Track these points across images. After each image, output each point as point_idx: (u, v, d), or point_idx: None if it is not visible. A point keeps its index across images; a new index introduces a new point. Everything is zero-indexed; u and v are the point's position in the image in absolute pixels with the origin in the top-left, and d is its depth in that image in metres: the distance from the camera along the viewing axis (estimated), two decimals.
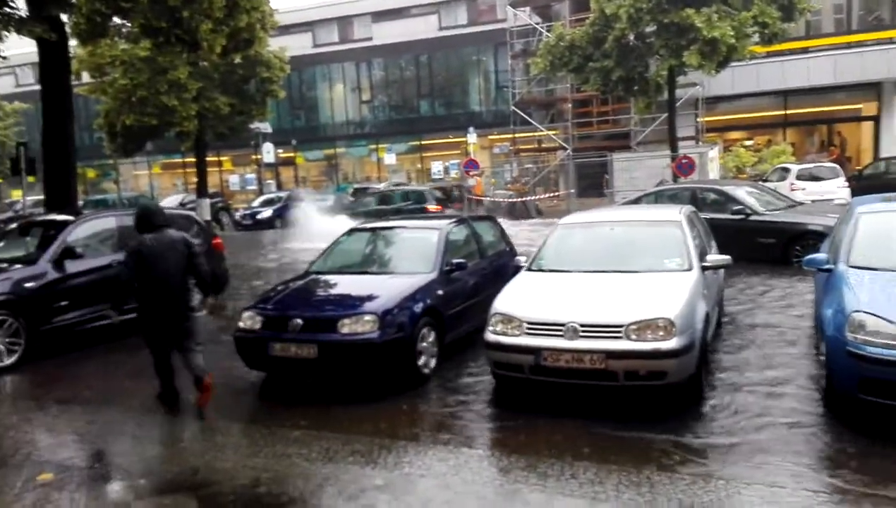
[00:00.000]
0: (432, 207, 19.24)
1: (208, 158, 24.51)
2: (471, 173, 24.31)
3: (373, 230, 8.38)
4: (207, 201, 22.89)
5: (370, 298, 6.44)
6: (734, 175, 22.73)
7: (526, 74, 28.26)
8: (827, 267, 5.95)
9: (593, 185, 24.89)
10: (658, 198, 12.51)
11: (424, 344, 6.57)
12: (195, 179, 24.87)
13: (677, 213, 7.06)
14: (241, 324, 6.61)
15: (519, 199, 23.85)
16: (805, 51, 24.42)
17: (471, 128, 28.99)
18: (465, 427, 5.48)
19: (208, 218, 20.41)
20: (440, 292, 6.96)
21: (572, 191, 24.94)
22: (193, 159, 24.53)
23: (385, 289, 6.61)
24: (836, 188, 17.50)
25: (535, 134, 29.19)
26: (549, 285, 6.36)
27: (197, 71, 20.51)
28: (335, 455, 5.00)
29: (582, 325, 5.39)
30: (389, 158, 35.71)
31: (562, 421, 5.37)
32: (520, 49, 29.64)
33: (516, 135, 29.77)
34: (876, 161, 22.14)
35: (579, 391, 5.62)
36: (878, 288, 5.17)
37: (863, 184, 18.39)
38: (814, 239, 9.88)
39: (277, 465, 4.89)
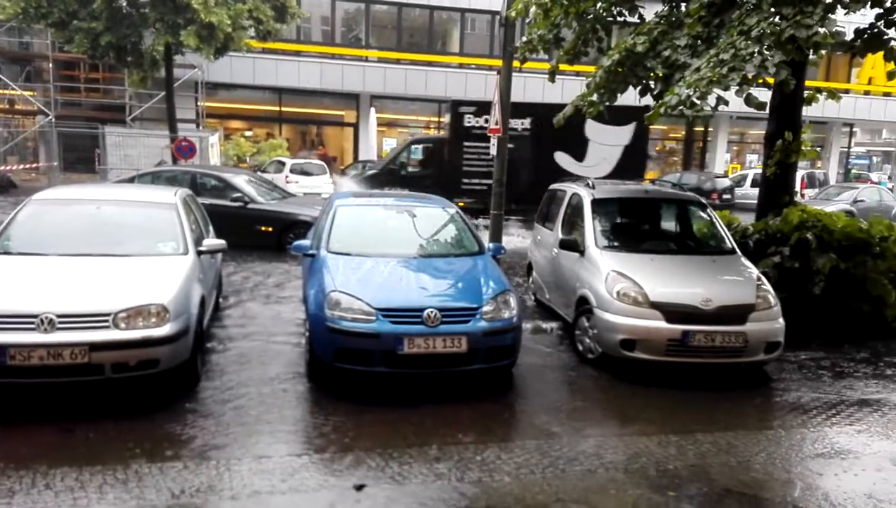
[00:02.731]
0: None
1: None
2: None
3: None
4: None
5: None
6: (234, 163, 23.36)
7: None
8: (311, 252, 6.61)
9: (83, 159, 22.35)
10: (155, 179, 11.96)
11: None
12: None
13: (173, 196, 6.84)
14: None
15: None
16: (298, 54, 26.65)
17: None
18: None
19: None
20: None
21: (55, 163, 21.88)
22: None
23: None
24: (324, 183, 19.68)
25: (6, 92, 24.51)
26: (18, 271, 5.40)
27: None
28: None
29: (60, 316, 4.73)
30: None
31: (32, 426, 4.65)
32: None
33: None
34: (355, 161, 25.73)
35: (56, 390, 4.95)
36: (350, 271, 5.97)
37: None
38: (304, 228, 10.88)
39: None
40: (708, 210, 7.78)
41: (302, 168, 20.29)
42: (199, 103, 25.03)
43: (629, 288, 6.17)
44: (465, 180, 16.20)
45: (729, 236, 7.44)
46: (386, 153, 24.62)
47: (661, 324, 5.97)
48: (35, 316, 4.69)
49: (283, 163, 20.34)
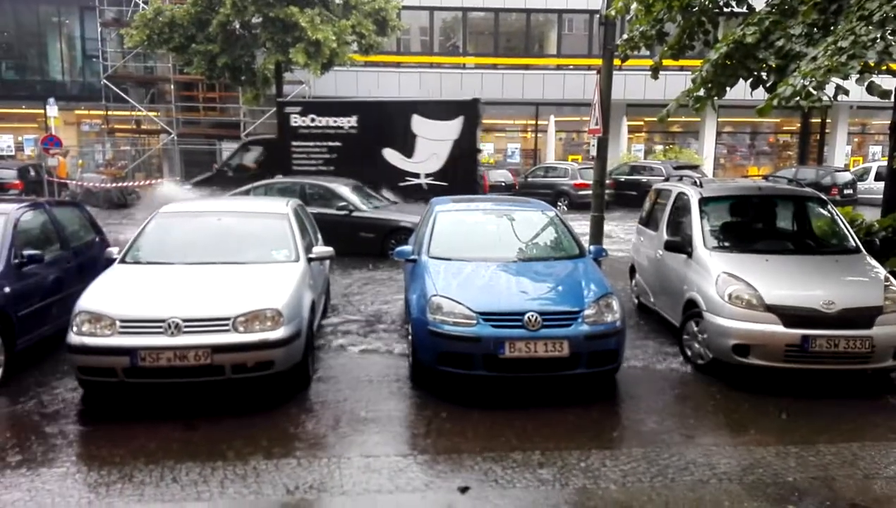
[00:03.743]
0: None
1: None
2: (51, 151, 20.96)
3: None
4: None
5: None
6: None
7: (120, 46, 25.51)
8: (412, 257, 6.76)
9: (201, 174, 23.84)
10: (268, 190, 12.60)
11: None
12: None
13: (285, 206, 7.20)
14: None
15: (114, 185, 21.48)
16: (398, 65, 27.32)
17: (51, 100, 24.94)
18: (42, 446, 4.69)
19: None
20: (7, 289, 5.85)
21: (177, 178, 23.48)
22: None
23: None
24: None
25: (133, 113, 26.59)
26: (147, 279, 5.86)
27: None
28: None
29: (185, 320, 5.09)
30: None
31: (159, 424, 5.01)
32: (111, 17, 26.61)
33: (110, 113, 26.67)
34: None
35: (181, 389, 5.32)
36: (451, 275, 6.05)
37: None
38: (405, 233, 11.11)
39: None
40: (828, 206, 7.29)
41: None
42: None
43: (742, 290, 5.89)
44: None
45: (852, 234, 6.94)
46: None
47: (778, 329, 5.65)
48: (163, 321, 5.07)
49: None
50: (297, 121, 15.92)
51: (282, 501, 3.98)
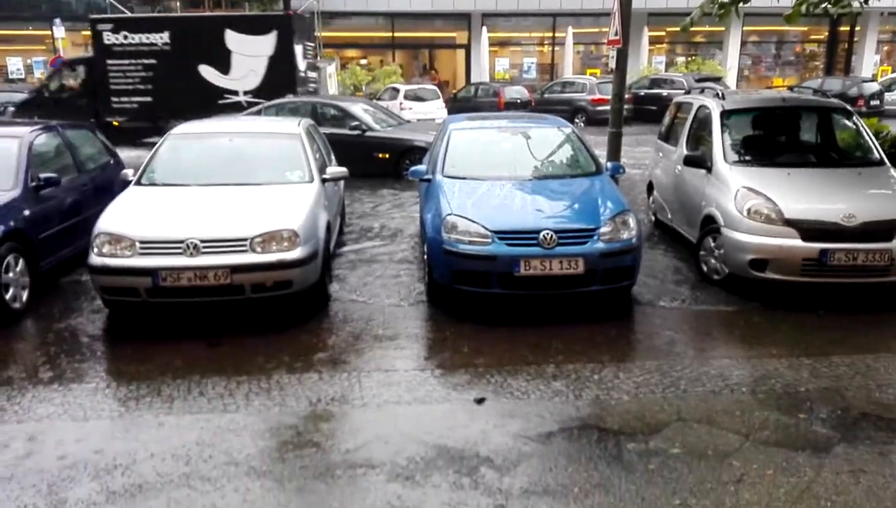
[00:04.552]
0: None
1: None
2: None
3: None
4: None
5: None
6: (351, 92, 23.81)
7: None
8: (427, 177, 6.71)
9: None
10: (279, 111, 12.45)
11: (11, 274, 5.57)
12: None
13: (297, 126, 7.12)
14: None
15: None
16: None
17: (57, 20, 24.42)
18: (71, 363, 4.87)
19: None
20: (27, 212, 5.92)
21: None
22: None
23: None
24: (437, 108, 19.67)
25: None
26: (163, 200, 5.90)
27: None
28: None
29: (203, 241, 5.15)
30: None
31: (184, 341, 5.15)
32: None
33: None
34: (468, 85, 25.44)
35: (203, 309, 5.43)
36: (465, 195, 6.02)
37: (457, 106, 21.07)
38: (419, 153, 11.00)
39: None
40: (854, 117, 7.07)
41: (416, 94, 20.34)
42: (315, 33, 25.47)
43: (761, 205, 5.81)
44: (115, 99, 15.63)
45: (877, 146, 6.75)
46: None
47: (797, 243, 5.60)
48: (182, 242, 5.13)
49: (397, 90, 20.48)
50: (110, 38, 15.42)
51: (306, 412, 4.12)
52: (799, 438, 3.79)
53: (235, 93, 15.32)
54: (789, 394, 4.28)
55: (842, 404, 4.17)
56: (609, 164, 7.05)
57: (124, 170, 6.70)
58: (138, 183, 6.23)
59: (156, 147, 6.69)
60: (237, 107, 14.44)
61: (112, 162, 8.11)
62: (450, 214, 5.68)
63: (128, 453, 3.66)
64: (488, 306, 5.62)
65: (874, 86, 22.10)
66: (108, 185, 7.21)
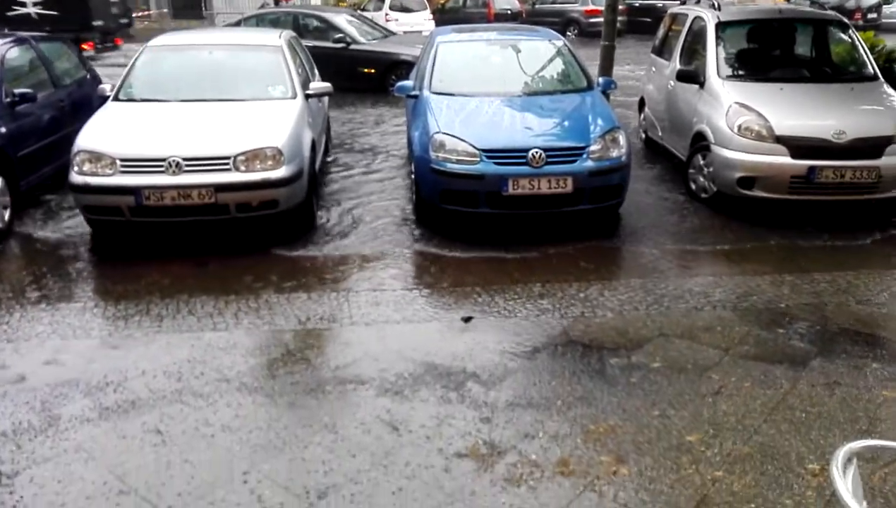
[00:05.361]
0: None
1: None
2: None
3: None
4: None
5: None
6: (335, 2, 22.92)
7: None
8: (414, 93, 6.54)
9: (190, 5, 22.65)
10: (259, 22, 12.00)
11: None
12: None
13: (278, 38, 6.86)
14: None
15: None
16: None
17: None
18: (58, 283, 4.86)
19: None
20: (3, 130, 5.76)
21: (165, 10, 22.33)
22: None
23: None
24: (424, 20, 19.01)
25: None
26: (143, 116, 5.75)
27: None
28: None
29: (185, 159, 5.05)
30: None
31: (171, 261, 5.14)
32: None
33: None
34: None
35: (189, 228, 5.39)
36: (453, 112, 5.89)
37: (445, 17, 20.37)
38: (406, 68, 10.70)
39: None
40: (850, 31, 6.91)
41: (402, 4, 19.61)
42: None
43: (753, 121, 5.74)
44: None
45: (872, 61, 6.63)
46: None
47: (786, 160, 5.57)
48: (164, 160, 5.03)
49: (382, 0, 19.72)
50: None
51: (294, 330, 4.17)
52: (777, 352, 3.89)
53: (23, 4, 14.26)
54: (770, 310, 4.37)
55: (821, 319, 4.26)
56: (601, 79, 6.89)
57: (101, 85, 6.48)
58: (116, 98, 6.04)
59: (132, 60, 6.45)
60: (27, 21, 13.42)
61: (89, 76, 7.85)
62: (437, 132, 5.57)
63: (119, 370, 3.71)
64: (476, 225, 5.62)
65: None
66: (85, 101, 7.01)
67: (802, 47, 7.25)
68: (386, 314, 4.37)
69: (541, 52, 6.99)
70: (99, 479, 2.90)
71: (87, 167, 5.09)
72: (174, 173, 5.01)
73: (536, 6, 22.20)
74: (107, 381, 3.61)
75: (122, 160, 5.06)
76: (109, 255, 5.37)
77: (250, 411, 3.36)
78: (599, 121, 5.74)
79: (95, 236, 5.59)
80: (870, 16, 20.67)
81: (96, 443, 3.13)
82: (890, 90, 6.24)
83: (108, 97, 6.06)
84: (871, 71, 6.50)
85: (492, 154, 5.36)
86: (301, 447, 3.10)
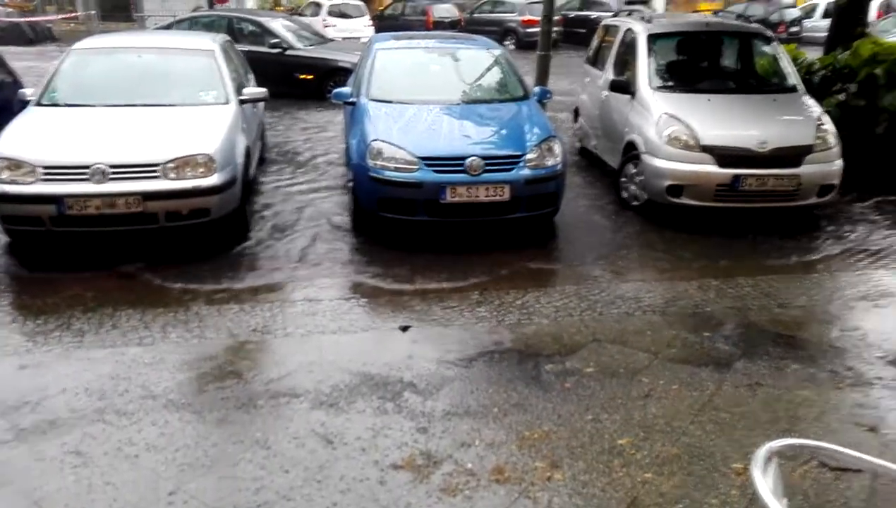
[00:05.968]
0: None
1: None
2: None
3: None
4: None
5: None
6: (271, 6, 22.58)
7: None
8: (352, 100, 6.49)
9: (119, 7, 21.92)
10: (192, 25, 11.71)
11: None
12: None
13: (211, 42, 6.71)
14: None
15: (24, 19, 19.62)
16: None
17: None
18: None
19: None
20: None
21: (93, 12, 21.54)
22: None
23: None
24: (363, 26, 18.93)
25: None
26: (67, 122, 5.51)
27: None
28: None
29: (112, 166, 4.87)
30: None
31: (94, 273, 4.94)
32: None
33: None
34: (395, 2, 24.47)
35: (114, 238, 5.20)
36: (392, 119, 5.87)
37: (383, 24, 20.31)
38: (344, 74, 10.61)
39: None
40: (773, 44, 7.22)
41: (340, 10, 19.49)
42: None
43: (680, 131, 5.92)
44: None
45: (794, 72, 6.95)
46: None
47: (712, 169, 5.78)
48: (88, 167, 4.83)
49: (319, 5, 19.54)
50: None
51: (225, 344, 4.06)
52: (703, 355, 4.02)
53: None
54: (697, 314, 4.51)
55: (744, 322, 4.43)
56: (537, 89, 7.00)
57: (22, 90, 6.19)
58: (39, 103, 5.77)
59: (57, 63, 6.19)
60: None
61: (10, 80, 7.49)
62: (375, 140, 5.54)
63: (37, 389, 3.53)
64: (414, 233, 5.61)
65: (795, 12, 22.63)
66: (5, 105, 6.66)
67: (729, 59, 7.54)
68: (322, 324, 4.31)
69: (479, 60, 7.05)
70: (14, 505, 2.75)
71: (5, 175, 4.85)
72: (99, 181, 4.82)
73: (475, 15, 22.40)
74: (24, 401, 3.43)
75: (43, 167, 4.84)
76: (29, 267, 5.12)
77: (177, 428, 3.25)
78: (536, 130, 5.82)
79: (13, 246, 5.32)
80: (792, 29, 21.69)
81: (11, 467, 2.97)
82: (810, 101, 6.54)
83: (30, 101, 5.80)
84: (792, 83, 6.81)
85: (430, 162, 5.36)
86: (231, 464, 3.02)
